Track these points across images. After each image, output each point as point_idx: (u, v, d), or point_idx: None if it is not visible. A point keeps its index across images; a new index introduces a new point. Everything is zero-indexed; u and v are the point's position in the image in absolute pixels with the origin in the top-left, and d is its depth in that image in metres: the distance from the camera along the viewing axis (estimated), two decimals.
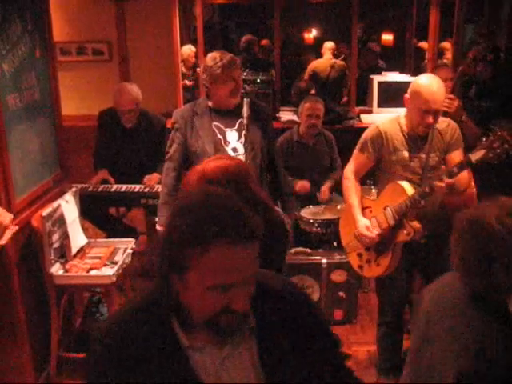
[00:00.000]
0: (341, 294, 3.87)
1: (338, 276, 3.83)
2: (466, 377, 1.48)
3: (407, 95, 2.83)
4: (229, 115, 3.08)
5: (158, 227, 3.18)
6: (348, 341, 3.73)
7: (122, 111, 4.03)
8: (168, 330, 1.26)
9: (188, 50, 6.48)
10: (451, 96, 3.31)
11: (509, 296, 1.51)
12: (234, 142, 3.06)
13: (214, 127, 3.07)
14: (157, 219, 3.21)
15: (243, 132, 2.95)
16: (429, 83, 2.75)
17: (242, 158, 2.97)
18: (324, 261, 3.82)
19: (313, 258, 3.86)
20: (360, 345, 3.69)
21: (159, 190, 3.99)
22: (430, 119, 2.74)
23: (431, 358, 1.62)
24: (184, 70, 6.33)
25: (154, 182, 4.04)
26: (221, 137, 3.07)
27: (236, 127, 3.07)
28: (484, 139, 2.42)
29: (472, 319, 1.55)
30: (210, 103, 3.10)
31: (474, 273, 1.55)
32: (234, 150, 3.06)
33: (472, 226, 1.56)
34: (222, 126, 3.08)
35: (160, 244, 1.24)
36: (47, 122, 3.41)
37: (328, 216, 4.07)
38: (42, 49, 3.35)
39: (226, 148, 3.06)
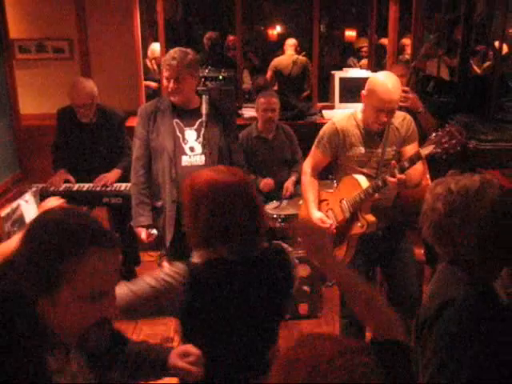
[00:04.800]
0: (305, 288, 3.92)
1: (302, 270, 3.87)
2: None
3: (364, 92, 2.88)
4: (190, 114, 3.12)
5: (137, 229, 3.15)
6: None
7: (77, 106, 4.02)
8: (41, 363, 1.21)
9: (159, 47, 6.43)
10: (405, 89, 3.36)
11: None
12: (192, 141, 3.11)
13: (174, 124, 3.11)
14: (132, 221, 3.20)
15: (202, 131, 3.01)
16: (384, 82, 2.78)
17: (199, 157, 3.06)
18: None
19: None
20: None
21: (122, 188, 4.00)
22: (384, 117, 2.78)
23: None
24: (155, 67, 6.30)
25: (109, 180, 4.02)
26: (180, 135, 3.11)
27: (195, 127, 3.12)
28: (434, 134, 2.49)
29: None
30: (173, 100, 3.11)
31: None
32: (192, 149, 3.11)
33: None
34: (181, 124, 3.12)
35: (21, 268, 1.19)
36: (4, 121, 3.37)
37: (291, 211, 4.11)
38: None
39: (184, 146, 3.10)
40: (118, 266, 1.26)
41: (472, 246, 1.61)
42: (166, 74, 3.05)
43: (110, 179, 4.03)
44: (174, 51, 3.06)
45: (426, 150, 2.52)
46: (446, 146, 2.44)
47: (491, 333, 1.56)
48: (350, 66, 7.19)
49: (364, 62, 7.47)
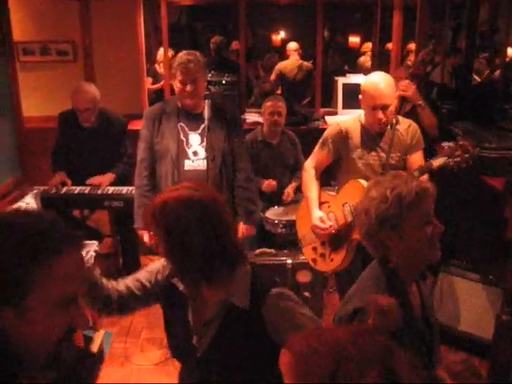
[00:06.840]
0: (306, 294, 3.88)
1: (303, 276, 3.85)
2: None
3: (360, 96, 2.90)
4: (195, 118, 3.11)
5: (139, 231, 3.14)
6: None
7: (79, 110, 4.02)
8: None
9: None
10: (407, 81, 3.38)
11: None
12: (196, 145, 3.10)
13: (179, 127, 3.10)
14: (135, 223, 3.18)
15: (205, 136, 2.97)
16: (376, 80, 2.84)
17: (202, 162, 3.03)
18: (289, 261, 3.82)
19: (278, 258, 3.86)
20: None
21: (123, 191, 3.99)
22: (380, 114, 2.81)
23: None
24: (163, 71, 6.34)
25: (100, 182, 4.01)
26: (184, 138, 3.10)
27: (199, 131, 3.10)
28: (447, 146, 2.49)
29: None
30: (179, 103, 3.11)
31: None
32: (195, 153, 3.10)
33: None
34: (186, 128, 3.11)
35: None
36: (6, 123, 3.38)
37: (292, 217, 4.07)
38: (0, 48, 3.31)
39: (188, 150, 3.09)
40: (85, 270, 1.18)
41: (400, 251, 1.70)
42: (180, 77, 2.98)
43: (103, 181, 4.02)
44: (188, 53, 3.02)
45: (438, 162, 2.53)
46: (459, 159, 2.46)
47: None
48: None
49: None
